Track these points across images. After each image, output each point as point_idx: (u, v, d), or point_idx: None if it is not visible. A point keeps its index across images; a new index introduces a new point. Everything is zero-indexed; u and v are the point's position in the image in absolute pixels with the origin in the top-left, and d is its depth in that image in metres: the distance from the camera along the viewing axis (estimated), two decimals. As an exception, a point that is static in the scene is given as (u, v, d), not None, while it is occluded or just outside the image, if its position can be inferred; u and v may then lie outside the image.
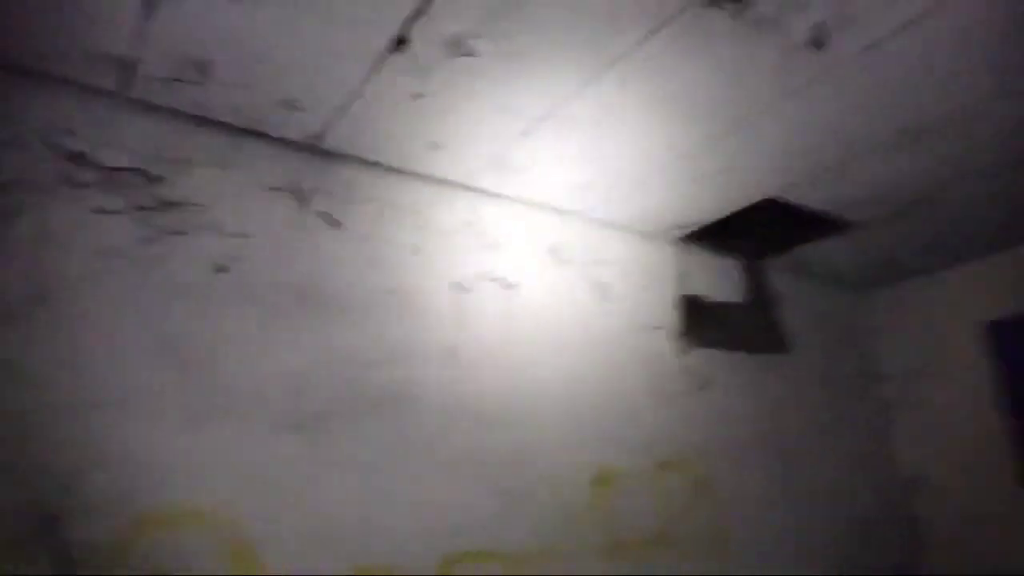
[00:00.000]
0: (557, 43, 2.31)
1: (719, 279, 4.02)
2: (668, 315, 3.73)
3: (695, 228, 3.79)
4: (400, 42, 2.23)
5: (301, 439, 2.44)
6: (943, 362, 4.43)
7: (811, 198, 3.53)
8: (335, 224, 2.77)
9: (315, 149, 2.80)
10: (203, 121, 2.57)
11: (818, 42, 2.33)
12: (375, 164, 2.93)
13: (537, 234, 3.37)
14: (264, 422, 2.38)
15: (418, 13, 2.13)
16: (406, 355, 2.77)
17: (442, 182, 3.11)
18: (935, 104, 2.77)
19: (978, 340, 4.29)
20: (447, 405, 2.81)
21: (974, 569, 4.10)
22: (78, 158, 2.31)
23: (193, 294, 2.40)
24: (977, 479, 4.18)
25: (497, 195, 3.27)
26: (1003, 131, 2.97)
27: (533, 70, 2.43)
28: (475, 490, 2.77)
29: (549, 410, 3.11)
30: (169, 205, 2.44)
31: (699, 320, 3.80)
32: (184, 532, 2.16)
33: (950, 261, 4.43)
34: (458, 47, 2.27)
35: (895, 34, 2.34)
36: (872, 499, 4.32)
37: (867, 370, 4.68)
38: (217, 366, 2.37)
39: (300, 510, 2.36)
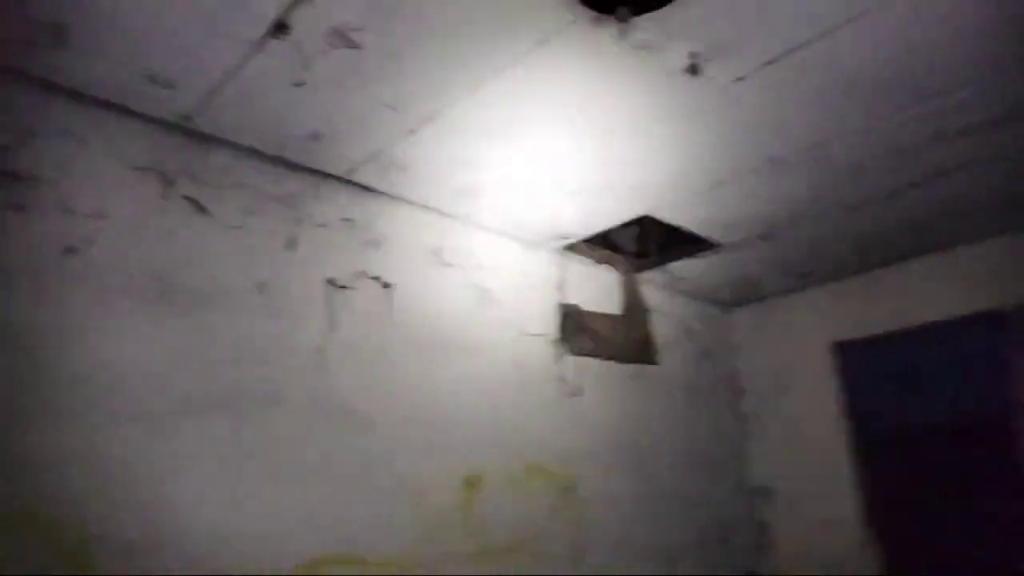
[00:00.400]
0: (446, 46, 2.29)
1: (597, 290, 4.13)
2: (546, 323, 3.79)
3: (576, 239, 3.88)
4: (280, 27, 2.14)
5: (150, 436, 2.29)
6: (796, 378, 4.75)
7: (684, 218, 3.70)
8: (202, 210, 2.63)
9: (185, 130, 2.64)
10: (58, 90, 2.37)
11: (694, 70, 2.44)
12: (250, 151, 2.81)
13: (420, 235, 3.34)
14: (110, 416, 2.22)
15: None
16: (272, 353, 2.66)
17: (322, 175, 3.02)
18: (798, 136, 2.97)
19: (827, 359, 4.63)
20: (313, 406, 2.72)
21: (818, 572, 4.41)
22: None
23: (38, 277, 2.20)
24: (822, 487, 4.50)
25: (380, 192, 3.21)
26: (861, 165, 3.22)
27: (421, 70, 2.41)
28: (339, 493, 2.70)
29: (421, 413, 3.08)
30: (12, 178, 2.23)
31: (575, 329, 3.89)
32: (14, 529, 1.98)
33: (806, 284, 4.76)
34: (341, 38, 2.21)
35: (763, 68, 2.49)
36: (727, 505, 4.57)
37: (728, 383, 4.95)
38: (62, 356, 2.19)
39: (142, 510, 2.21)
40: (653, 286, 4.53)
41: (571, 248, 3.98)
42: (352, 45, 2.25)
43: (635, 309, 4.26)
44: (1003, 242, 4.02)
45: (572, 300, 3.95)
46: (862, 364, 4.49)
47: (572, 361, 3.83)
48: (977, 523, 5.62)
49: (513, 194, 3.34)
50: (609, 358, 4.00)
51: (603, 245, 4.06)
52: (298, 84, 2.43)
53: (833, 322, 4.65)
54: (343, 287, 2.95)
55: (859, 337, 4.51)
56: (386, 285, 3.11)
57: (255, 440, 2.53)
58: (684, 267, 4.37)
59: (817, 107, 2.76)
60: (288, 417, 2.64)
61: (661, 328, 4.43)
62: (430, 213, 3.40)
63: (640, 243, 4.17)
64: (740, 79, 2.55)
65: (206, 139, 2.69)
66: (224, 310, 2.59)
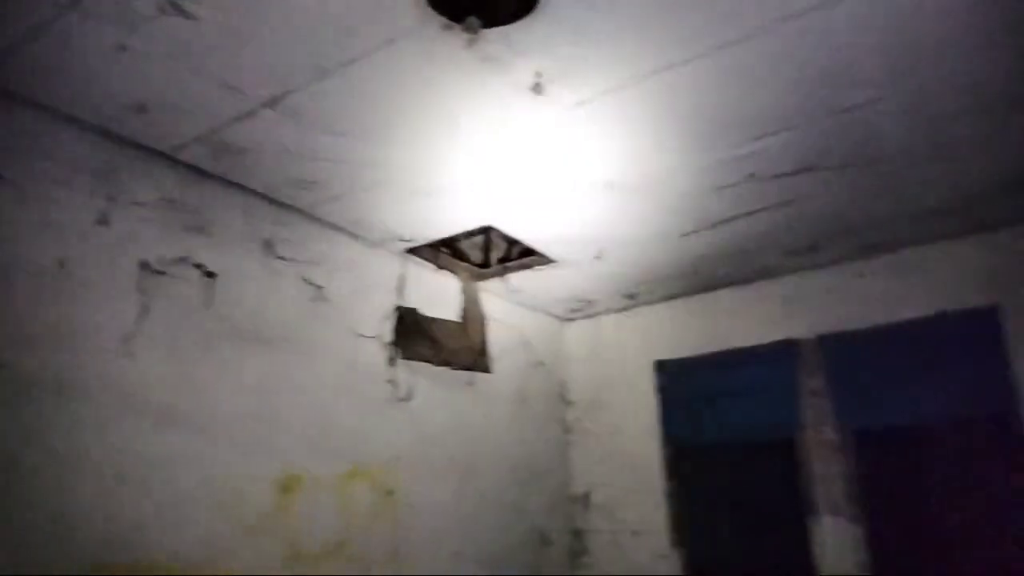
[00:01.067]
0: (291, 29, 2.21)
1: (436, 295, 4.13)
2: (381, 325, 3.74)
3: (419, 243, 3.86)
4: (102, -16, 1.97)
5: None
6: (619, 392, 5.01)
7: (524, 232, 3.79)
8: (-3, 177, 2.35)
9: (-19, 85, 2.36)
10: None
11: (538, 89, 2.52)
12: (62, 116, 2.55)
13: (252, 224, 3.18)
14: None
15: (128, -43, 1.90)
16: (69, 338, 2.43)
17: (145, 150, 2.80)
18: (634, 163, 3.14)
19: (648, 376, 4.92)
20: (113, 397, 2.50)
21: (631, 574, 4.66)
22: None
23: None
24: (636, 497, 4.77)
25: (210, 175, 3.03)
26: (690, 195, 3.45)
27: (263, 51, 2.30)
28: (134, 495, 2.50)
29: (238, 411, 2.93)
30: None
31: (411, 332, 3.87)
32: None
33: (635, 304, 5.04)
34: (173, 5, 2.07)
35: (604, 94, 2.61)
36: (547, 513, 4.72)
37: (557, 394, 5.13)
38: None
39: None
40: (493, 295, 4.61)
41: (413, 251, 3.96)
42: (186, 14, 2.11)
43: (473, 317, 4.31)
44: (801, 278, 4.47)
45: (410, 304, 3.93)
46: (678, 382, 4.81)
47: (405, 365, 3.81)
48: (766, 534, 6.19)
49: (354, 191, 3.27)
50: (443, 364, 4.02)
51: (446, 251, 4.08)
52: (121, 49, 2.24)
53: (656, 341, 4.96)
54: (159, 272, 2.75)
55: (678, 357, 4.84)
56: (209, 274, 2.93)
57: (41, 435, 2.29)
58: (523, 279, 4.49)
59: (653, 137, 2.93)
60: (83, 410, 2.41)
61: (497, 337, 4.52)
62: (264, 202, 3.25)
63: (482, 252, 4.24)
64: (582, 103, 2.66)
65: (7, 98, 2.42)
66: (18, 288, 2.33)
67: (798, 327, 4.43)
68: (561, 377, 5.20)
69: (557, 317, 5.28)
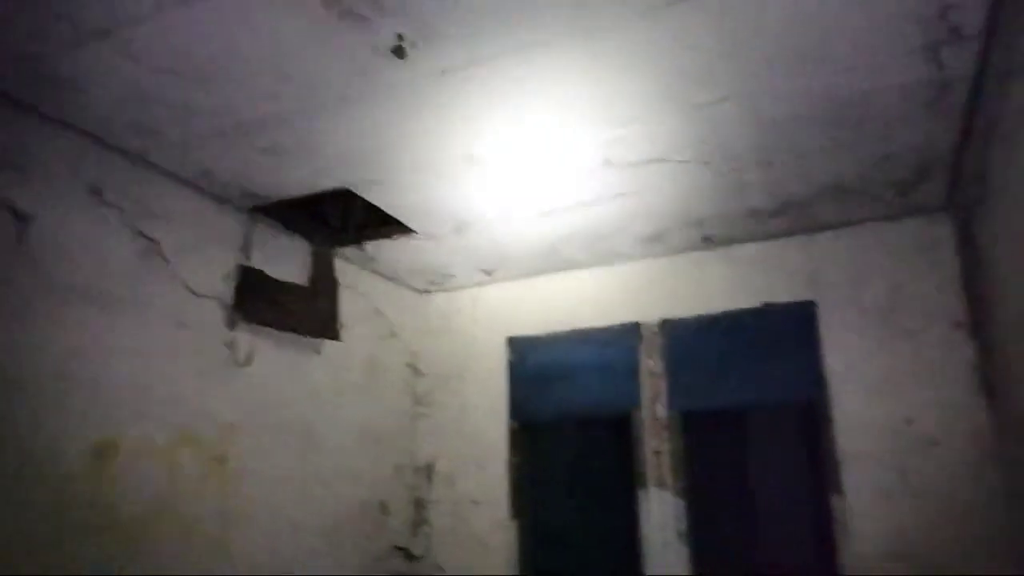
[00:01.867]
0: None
1: (284, 257, 3.97)
2: (222, 284, 3.54)
3: (268, 201, 3.68)
4: None
5: None
6: (471, 366, 5.06)
7: (384, 199, 3.71)
8: None
9: None
10: None
11: (400, 52, 2.46)
12: None
13: (77, 166, 2.89)
14: None
15: None
16: None
17: (-52, 71, 2.47)
18: (493, 138, 3.14)
19: (501, 351, 5.00)
20: None
21: (469, 544, 4.73)
22: None
23: None
24: (479, 469, 4.85)
25: (30, 106, 2.71)
26: (547, 174, 3.51)
27: (93, -25, 2.08)
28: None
29: (51, 370, 2.68)
30: None
31: (255, 295, 3.69)
32: None
33: (492, 280, 5.09)
34: (-17, -92, 1.82)
35: (467, 65, 2.58)
36: (390, 483, 4.70)
37: (409, 365, 5.10)
38: None
39: None
40: (347, 262, 4.49)
41: (262, 210, 3.77)
42: (-2, -79, 1.87)
43: (324, 282, 4.18)
44: (648, 265, 4.70)
45: (256, 265, 3.75)
46: (528, 358, 4.93)
47: (247, 329, 3.64)
48: (599, 504, 6.52)
49: (198, 140, 3.05)
50: (289, 329, 3.87)
51: (298, 212, 3.91)
52: (-84, -51, 1.95)
53: (510, 318, 5.04)
54: (-40, 210, 2.44)
55: (529, 334, 4.95)
56: (21, 217, 2.64)
57: None
58: (380, 248, 4.40)
59: (515, 113, 2.94)
60: None
61: (350, 305, 4.41)
62: (94, 144, 2.96)
63: (338, 217, 4.10)
64: (446, 71, 2.62)
65: None
66: None
67: (642, 311, 4.66)
68: (414, 349, 5.16)
69: (413, 289, 5.23)
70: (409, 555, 4.77)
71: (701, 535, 5.61)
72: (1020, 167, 2.64)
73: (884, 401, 3.94)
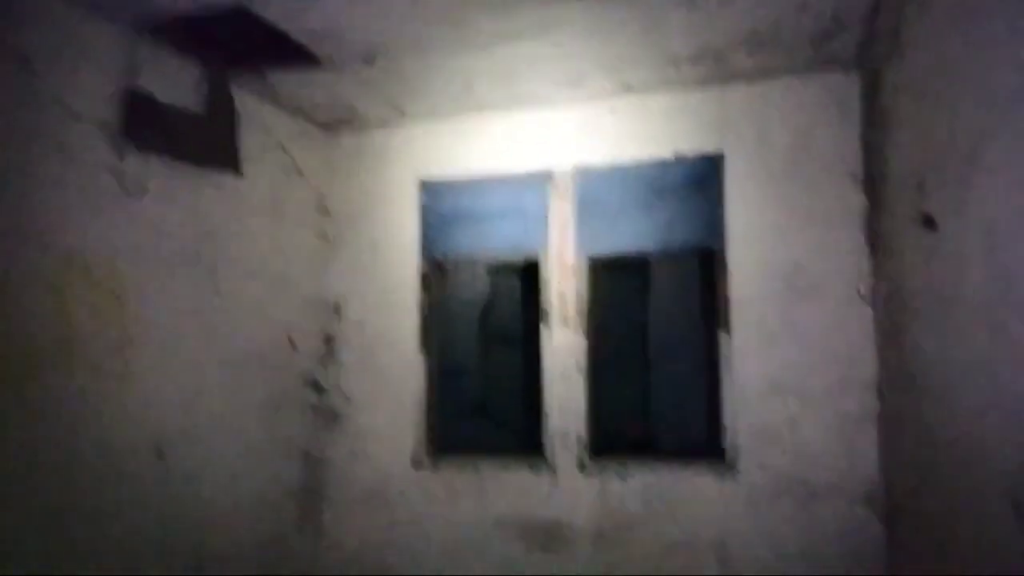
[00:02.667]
0: None
1: (175, 82, 3.66)
2: (106, 109, 3.26)
3: (155, 17, 3.32)
4: None
5: None
6: (381, 208, 4.98)
7: (282, 19, 3.41)
8: None
9: None
10: None
11: None
12: None
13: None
14: None
15: None
16: None
17: None
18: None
19: (412, 193, 4.92)
20: None
21: (377, 377, 4.89)
22: None
23: None
24: (389, 308, 4.91)
25: None
26: (463, 4, 3.30)
27: None
28: None
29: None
30: None
31: (145, 122, 3.43)
32: None
33: (403, 120, 4.90)
34: None
35: None
36: (299, 318, 4.71)
37: (317, 206, 4.96)
38: None
39: None
40: (247, 92, 4.19)
41: (149, 28, 3.41)
42: None
43: (220, 112, 3.91)
44: (563, 110, 4.63)
45: (145, 89, 3.45)
46: (441, 201, 4.88)
47: (137, 157, 3.40)
48: (506, 342, 6.81)
49: (66, -64, 2.68)
50: (184, 159, 3.65)
51: (191, 32, 3.56)
52: None
53: (422, 160, 4.93)
54: None
55: (442, 178, 4.87)
56: None
57: None
58: (283, 80, 4.12)
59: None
60: None
61: (250, 139, 4.18)
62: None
63: (235, 40, 3.77)
64: None
65: None
66: None
67: (555, 158, 4.65)
68: (321, 188, 5.01)
69: (320, 125, 4.98)
70: (318, 387, 4.90)
71: (600, 370, 5.99)
72: (932, 21, 2.69)
73: (776, 249, 4.19)
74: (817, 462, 4.05)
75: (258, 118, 4.28)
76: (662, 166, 4.43)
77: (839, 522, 3.99)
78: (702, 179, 4.35)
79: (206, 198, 3.85)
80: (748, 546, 4.12)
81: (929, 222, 2.77)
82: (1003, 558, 2.23)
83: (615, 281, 6.45)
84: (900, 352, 3.51)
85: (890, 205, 3.57)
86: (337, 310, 5.01)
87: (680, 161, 4.40)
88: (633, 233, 4.52)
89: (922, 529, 3.20)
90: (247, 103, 4.17)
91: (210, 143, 3.80)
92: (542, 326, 4.67)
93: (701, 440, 5.80)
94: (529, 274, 5.97)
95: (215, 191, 3.91)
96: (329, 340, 5.00)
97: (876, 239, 3.93)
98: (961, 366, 2.57)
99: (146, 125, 3.41)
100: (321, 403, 4.92)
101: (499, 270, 6.75)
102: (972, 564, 2.49)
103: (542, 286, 4.70)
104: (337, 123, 4.97)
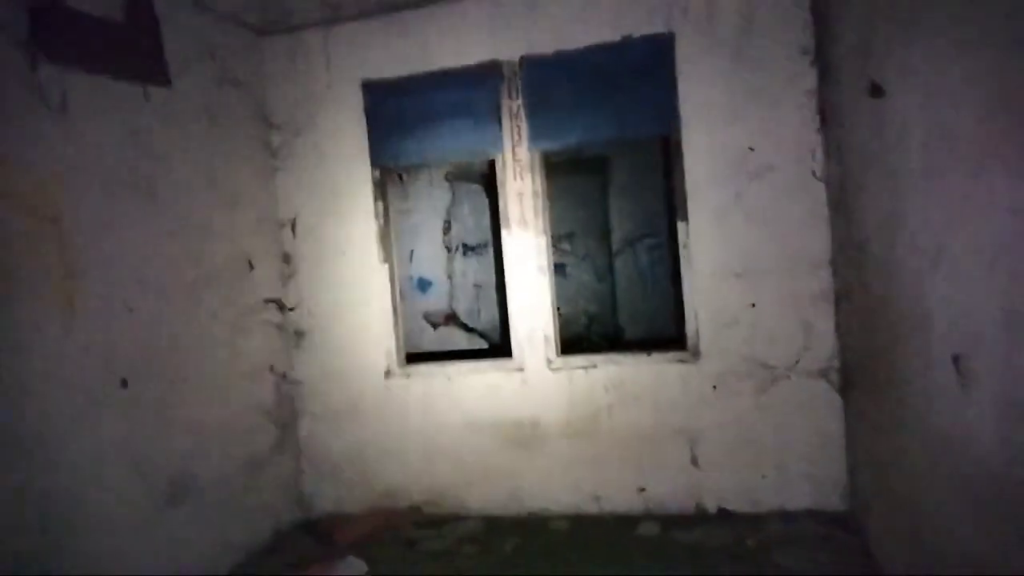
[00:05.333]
0: None
1: (88, -13, 3.41)
2: (15, 18, 3.02)
3: (50, -88, 3.05)
4: None
5: None
6: (326, 114, 4.79)
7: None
8: None
9: None
10: None
11: None
12: None
13: None
14: None
15: None
16: None
17: None
18: None
19: (356, 96, 4.72)
20: None
21: (340, 291, 4.83)
22: None
23: None
24: (342, 218, 4.80)
25: None
26: None
27: None
28: None
29: None
30: None
31: (57, 30, 3.20)
32: None
33: (340, 18, 4.64)
34: None
35: None
36: (254, 238, 4.60)
37: (258, 117, 4.76)
38: None
39: None
40: (167, -5, 3.92)
41: (45, -76, 3.13)
42: None
43: (141, 17, 3.66)
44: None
45: (51, -5, 3.20)
46: (387, 103, 4.70)
47: (53, 70, 3.19)
48: (466, 248, 6.76)
49: None
50: (105, 72, 3.44)
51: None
52: None
53: (363, 60, 4.71)
54: None
55: (386, 77, 4.67)
56: None
57: None
58: (204, -23, 3.86)
59: None
60: None
61: (176, 45, 3.94)
62: None
63: (146, -63, 3.50)
64: None
65: None
66: None
67: (502, 49, 4.47)
68: (260, 97, 4.79)
69: (252, 29, 4.71)
70: (281, 305, 4.85)
71: (564, 269, 5.97)
72: None
73: (730, 131, 4.12)
74: (776, 342, 4.13)
75: (183, 24, 4.01)
76: (612, 50, 4.28)
77: (800, 400, 4.11)
78: (653, 63, 4.22)
79: (135, 112, 3.65)
80: (714, 430, 4.24)
81: (876, 90, 2.71)
82: (948, 414, 2.29)
83: (576, 179, 6.38)
84: (850, 227, 3.51)
85: (839, 77, 3.49)
86: (292, 226, 4.90)
87: (630, 45, 4.25)
88: (586, 125, 4.40)
89: (876, 396, 3.30)
90: (168, 7, 3.90)
91: (132, 53, 3.58)
92: (503, 229, 4.61)
93: (666, 330, 5.90)
94: (490, 178, 5.86)
95: (144, 103, 3.70)
96: (287, 258, 4.90)
97: (827, 114, 3.87)
98: (906, 233, 2.58)
99: (57, 34, 3.18)
100: (286, 322, 4.88)
101: (459, 175, 6.63)
102: (922, 421, 2.57)
103: (499, 187, 4.61)
104: (269, 26, 4.69)
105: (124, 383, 3.48)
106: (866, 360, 3.44)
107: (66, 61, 3.22)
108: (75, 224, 3.26)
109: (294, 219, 4.89)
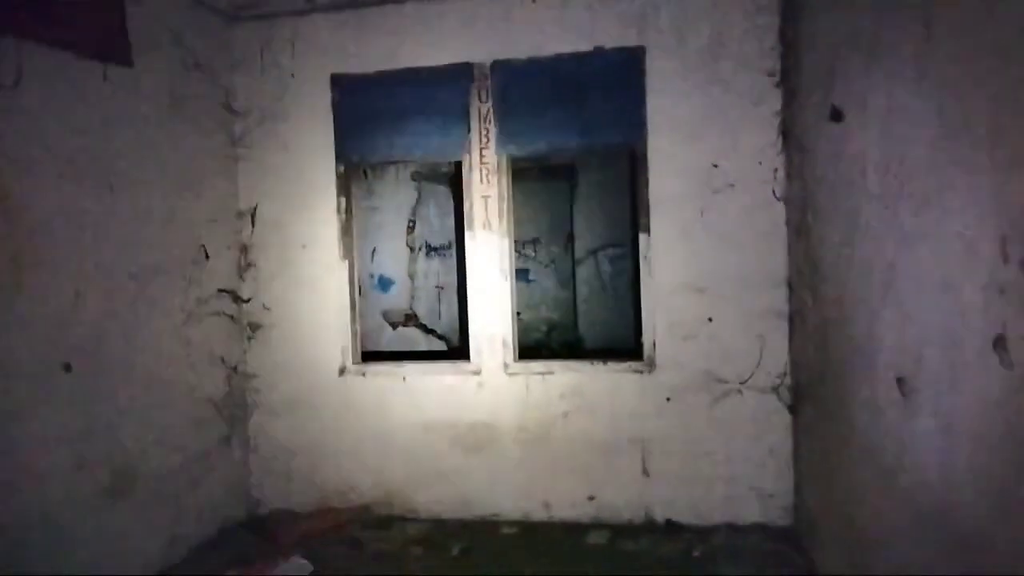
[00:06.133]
0: None
1: (49, -40, 3.30)
2: (-35, -14, 2.92)
3: None
4: None
5: None
6: (292, 105, 4.71)
7: None
8: None
9: None
10: None
11: None
12: None
13: None
14: None
15: None
16: None
17: None
18: None
19: (325, 89, 4.66)
20: None
21: (298, 286, 4.76)
22: None
23: None
24: (302, 213, 4.73)
25: None
26: None
27: None
28: None
29: None
30: None
31: (11, 6, 3.09)
32: None
33: (312, 9, 4.58)
34: None
35: None
36: (211, 227, 4.50)
37: (221, 104, 4.66)
38: None
39: None
40: (135, -26, 3.82)
41: None
42: None
43: (105, -4, 3.56)
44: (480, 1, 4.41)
45: (10, -35, 3.09)
46: (355, 98, 4.65)
47: (8, 43, 3.08)
48: (429, 250, 6.73)
49: None
50: (63, 46, 3.33)
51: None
52: None
53: (334, 54, 4.65)
54: None
55: (356, 72, 4.62)
56: None
57: None
58: (173, -42, 3.77)
59: None
60: None
61: (140, 25, 3.83)
62: None
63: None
64: None
65: None
66: None
67: (474, 51, 4.46)
68: (225, 84, 4.69)
69: (220, 13, 4.61)
70: (236, 297, 4.75)
71: (526, 274, 5.98)
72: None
73: (695, 146, 4.18)
74: (731, 357, 4.19)
75: (148, 3, 3.92)
76: (583, 60, 4.30)
77: (751, 415, 4.17)
78: (623, 75, 4.25)
79: (93, 91, 3.54)
80: (666, 441, 4.28)
81: (836, 114, 2.78)
82: (891, 432, 2.34)
83: (543, 185, 6.40)
84: (807, 248, 3.59)
85: (803, 100, 3.56)
86: (252, 217, 4.81)
87: (601, 55, 4.27)
88: (555, 132, 4.41)
89: (824, 414, 3.37)
90: (137, -12, 3.81)
91: (93, 28, 3.47)
92: (466, 231, 4.59)
93: (626, 341, 5.94)
94: (456, 179, 5.84)
95: (102, 83, 3.59)
96: (244, 249, 4.81)
97: (789, 136, 3.95)
98: (860, 258, 2.64)
99: (12, 4, 3.07)
100: (240, 314, 4.79)
101: (426, 175, 6.60)
102: (867, 440, 2.62)
103: (464, 189, 4.59)
104: (239, 11, 4.60)
105: (68, 367, 3.37)
106: (816, 378, 3.50)
107: (21, 34, 3.11)
108: (25, 205, 3.15)
109: (254, 209, 4.80)
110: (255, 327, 4.82)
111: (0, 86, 3.05)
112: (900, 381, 2.20)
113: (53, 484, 3.25)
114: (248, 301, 4.81)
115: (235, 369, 4.71)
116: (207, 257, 4.44)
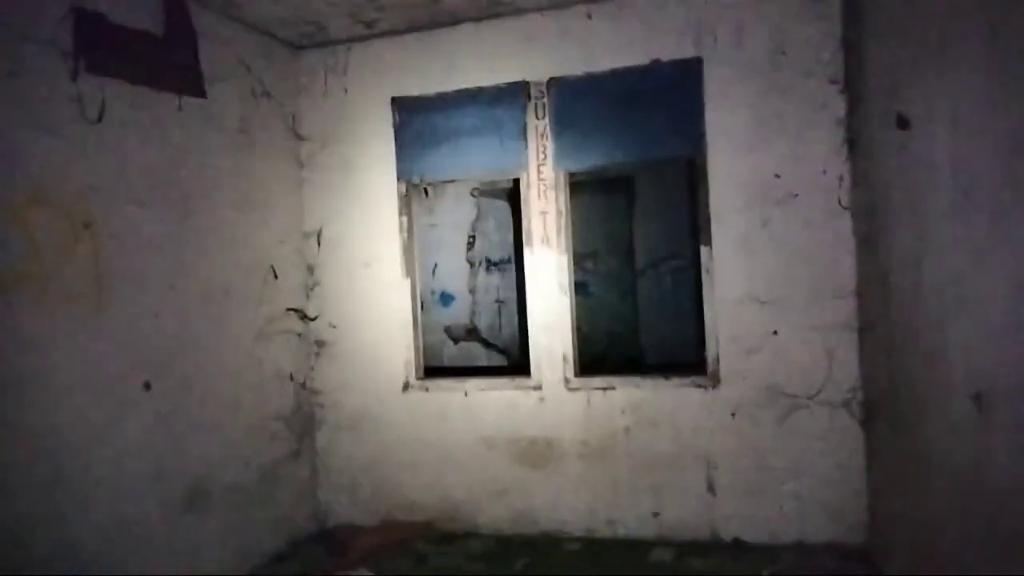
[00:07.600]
0: None
1: (132, 1, 3.51)
2: (59, 30, 3.12)
3: (97, -72, 3.16)
4: None
5: None
6: (355, 128, 4.86)
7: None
8: None
9: None
10: None
11: None
12: None
13: None
14: None
15: None
16: None
17: None
18: None
19: (386, 111, 4.79)
20: None
21: (363, 304, 4.88)
22: None
23: None
24: (368, 230, 4.86)
25: None
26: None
27: None
28: None
29: None
30: None
31: (100, 42, 3.30)
32: None
33: (372, 35, 4.72)
34: None
35: None
36: (279, 247, 4.67)
37: (288, 129, 4.84)
38: None
39: None
40: (206, 8, 4.02)
41: (91, -60, 3.24)
42: None
43: (179, 31, 3.76)
44: (536, 19, 4.45)
45: (97, 8, 3.30)
46: (415, 119, 4.76)
47: (93, 81, 3.29)
48: (489, 265, 6.79)
49: None
50: (143, 83, 3.53)
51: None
52: None
53: (394, 76, 4.78)
54: None
55: (416, 94, 4.73)
56: None
57: None
58: (244, -7, 3.95)
59: None
60: None
61: (213, 58, 4.04)
62: None
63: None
64: None
65: None
66: None
67: (530, 69, 4.50)
68: (291, 110, 4.87)
69: (287, 43, 4.80)
70: (303, 316, 4.90)
71: (586, 288, 5.97)
72: (906, -97, 2.55)
73: (756, 156, 4.11)
74: (798, 371, 4.08)
75: (220, 37, 4.12)
76: (639, 73, 4.29)
77: (820, 430, 4.05)
78: (680, 87, 4.22)
79: (170, 123, 3.74)
80: (732, 457, 4.19)
81: (902, 122, 2.69)
82: (968, 449, 2.25)
83: (601, 198, 6.39)
84: (876, 258, 3.47)
85: (868, 107, 3.47)
86: (317, 237, 4.96)
87: (657, 68, 4.26)
88: (612, 146, 4.41)
89: (897, 429, 3.24)
90: (207, 21, 4.01)
91: (169, 65, 3.67)
92: (525, 247, 4.62)
93: (687, 354, 5.85)
94: (514, 195, 5.89)
95: (178, 114, 3.79)
96: (310, 268, 4.97)
97: (854, 144, 3.84)
98: (930, 271, 2.54)
99: (98, 46, 3.28)
100: (307, 332, 4.94)
101: (485, 191, 6.67)
102: (942, 457, 2.52)
103: (523, 205, 4.63)
104: (304, 40, 4.79)
105: (147, 386, 3.54)
106: (888, 393, 3.38)
107: (106, 72, 3.31)
108: (107, 230, 3.35)
109: (319, 230, 4.95)
110: (321, 344, 4.96)
111: (86, 120, 3.25)
112: (976, 397, 2.11)
113: (132, 497, 3.42)
114: (315, 319, 4.96)
115: (303, 385, 4.85)
116: (276, 277, 4.61)
